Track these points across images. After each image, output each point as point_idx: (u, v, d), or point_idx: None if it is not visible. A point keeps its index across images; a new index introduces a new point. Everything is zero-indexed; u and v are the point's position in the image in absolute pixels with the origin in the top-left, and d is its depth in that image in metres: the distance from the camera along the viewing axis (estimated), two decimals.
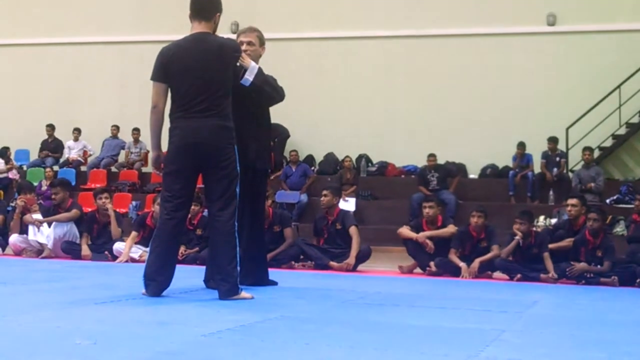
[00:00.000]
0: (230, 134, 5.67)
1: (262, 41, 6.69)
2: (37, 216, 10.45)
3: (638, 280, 8.40)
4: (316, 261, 9.70)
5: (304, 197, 16.08)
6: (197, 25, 5.76)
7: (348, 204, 15.74)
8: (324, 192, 10.09)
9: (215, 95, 5.61)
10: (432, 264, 9.23)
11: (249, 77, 6.35)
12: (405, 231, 9.60)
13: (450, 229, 9.55)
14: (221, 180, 5.62)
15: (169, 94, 5.73)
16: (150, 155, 6.04)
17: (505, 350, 4.04)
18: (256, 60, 6.58)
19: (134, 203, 16.00)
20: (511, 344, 4.24)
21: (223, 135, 5.61)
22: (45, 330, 4.14)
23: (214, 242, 5.79)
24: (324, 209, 10.02)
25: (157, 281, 5.65)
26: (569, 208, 9.35)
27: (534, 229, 9.73)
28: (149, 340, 3.92)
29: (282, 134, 16.73)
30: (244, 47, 6.48)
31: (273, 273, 7.22)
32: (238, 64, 6.13)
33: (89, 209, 11.41)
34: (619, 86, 15.79)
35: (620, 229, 13.97)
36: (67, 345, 3.70)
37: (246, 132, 6.34)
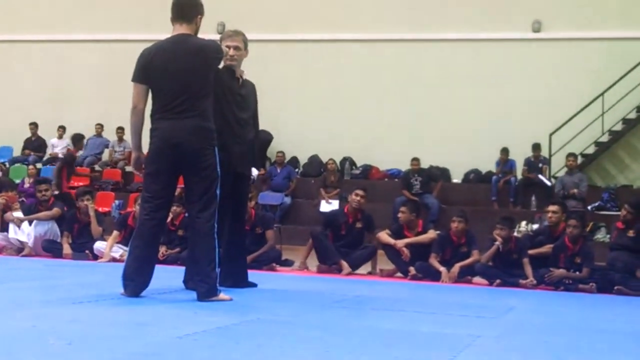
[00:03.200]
0: (211, 135, 5.69)
1: (246, 44, 6.76)
2: (18, 214, 10.40)
3: (616, 288, 8.45)
4: (327, 255, 9.62)
5: (287, 199, 16.09)
6: (178, 27, 5.78)
7: (331, 207, 15.81)
8: (359, 192, 9.84)
9: (195, 96, 5.62)
10: (411, 268, 9.26)
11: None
12: (384, 236, 9.61)
13: (430, 234, 9.59)
14: (201, 181, 5.63)
15: (151, 95, 5.75)
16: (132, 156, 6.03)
17: (479, 355, 4.07)
18: (240, 64, 6.63)
19: (116, 202, 15.96)
20: (485, 349, 4.27)
21: (203, 136, 5.63)
22: (20, 330, 4.13)
23: (193, 244, 5.81)
24: (356, 208, 9.89)
25: (135, 282, 5.66)
26: (549, 215, 9.39)
27: (515, 234, 9.78)
28: (123, 341, 3.92)
29: (263, 137, 16.84)
30: (231, 52, 6.53)
31: (253, 275, 7.23)
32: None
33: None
34: (602, 94, 15.88)
35: (601, 235, 14.06)
36: (41, 345, 3.70)
37: (230, 136, 6.40)
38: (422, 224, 9.81)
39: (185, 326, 4.46)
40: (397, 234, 9.60)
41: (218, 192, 5.71)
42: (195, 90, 5.62)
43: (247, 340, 4.12)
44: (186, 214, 9.04)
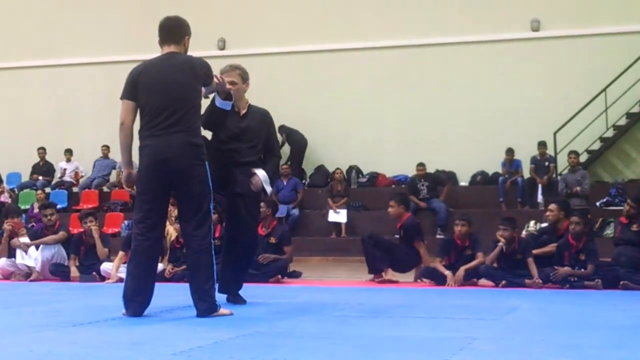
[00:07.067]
0: (200, 151, 5.69)
1: (244, 77, 6.65)
2: (25, 239, 10.47)
3: (621, 283, 8.43)
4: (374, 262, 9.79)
5: (295, 211, 16.10)
6: (166, 48, 5.84)
7: (339, 216, 15.84)
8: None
9: (182, 111, 5.62)
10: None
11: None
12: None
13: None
14: (193, 198, 5.65)
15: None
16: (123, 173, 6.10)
17: (472, 358, 4.08)
18: (242, 96, 6.60)
19: (126, 222, 16.00)
20: (479, 351, 4.28)
21: (192, 152, 5.62)
22: (17, 354, 4.18)
23: (191, 262, 5.83)
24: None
25: (136, 302, 5.69)
26: (547, 213, 9.43)
27: (524, 232, 9.73)
28: None
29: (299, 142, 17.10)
30: (227, 87, 6.48)
31: (260, 289, 7.23)
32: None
33: (79, 230, 11.43)
34: (604, 89, 15.85)
35: (610, 231, 13.99)
36: None
37: (234, 161, 6.49)
38: (405, 219, 9.88)
39: (181, 343, 4.49)
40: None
41: (212, 207, 5.73)
42: (182, 105, 5.62)
43: (241, 354, 4.14)
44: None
